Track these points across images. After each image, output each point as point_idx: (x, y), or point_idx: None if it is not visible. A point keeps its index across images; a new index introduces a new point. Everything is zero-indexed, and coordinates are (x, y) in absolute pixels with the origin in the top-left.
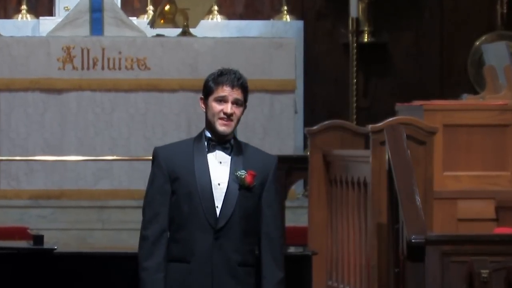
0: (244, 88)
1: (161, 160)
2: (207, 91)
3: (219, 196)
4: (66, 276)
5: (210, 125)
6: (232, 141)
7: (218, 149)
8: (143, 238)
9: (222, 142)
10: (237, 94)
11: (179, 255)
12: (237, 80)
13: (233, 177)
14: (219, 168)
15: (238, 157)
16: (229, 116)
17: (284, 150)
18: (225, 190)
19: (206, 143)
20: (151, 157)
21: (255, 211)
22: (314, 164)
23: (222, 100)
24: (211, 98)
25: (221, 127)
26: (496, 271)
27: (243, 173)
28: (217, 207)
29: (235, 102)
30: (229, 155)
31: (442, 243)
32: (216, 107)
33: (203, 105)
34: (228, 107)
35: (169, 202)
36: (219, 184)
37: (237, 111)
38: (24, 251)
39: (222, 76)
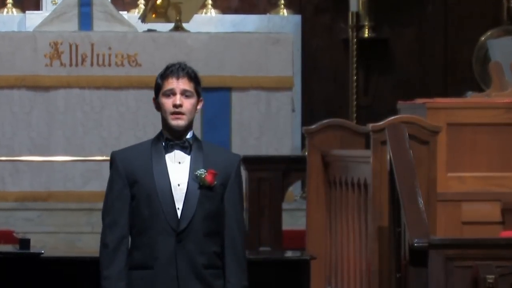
0: (191, 78)
1: (118, 164)
2: (156, 89)
3: (179, 198)
4: (54, 281)
5: (165, 124)
6: (190, 139)
7: (177, 149)
8: (103, 246)
9: (180, 141)
10: (183, 84)
11: (142, 261)
12: (182, 70)
13: (193, 177)
14: (178, 168)
15: (198, 156)
16: (178, 107)
17: (281, 150)
18: (185, 191)
19: (164, 143)
20: None
21: (217, 212)
22: (313, 165)
23: (170, 93)
24: (160, 95)
25: (173, 121)
26: (503, 276)
27: (202, 172)
28: (178, 208)
29: (184, 93)
30: (188, 154)
31: (446, 247)
32: (166, 102)
33: (156, 105)
34: (177, 98)
35: (129, 208)
36: (178, 185)
37: (187, 102)
38: (10, 255)
39: (167, 70)
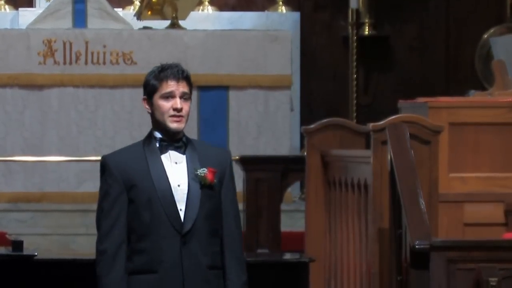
0: (189, 81)
1: (113, 168)
2: (150, 90)
3: (180, 198)
4: (47, 284)
5: (159, 125)
6: (184, 138)
7: (171, 149)
8: (100, 253)
9: (174, 141)
10: (183, 87)
11: (144, 266)
12: (182, 73)
13: (192, 176)
14: (175, 168)
15: (193, 155)
16: (179, 111)
17: (280, 150)
18: (186, 191)
19: (157, 144)
20: None
21: (217, 210)
22: (312, 165)
23: (169, 96)
24: (156, 97)
25: (173, 124)
26: (506, 278)
27: (203, 171)
28: (180, 210)
29: (183, 96)
30: (183, 154)
31: (448, 249)
32: (164, 105)
33: (147, 106)
34: (178, 102)
35: (126, 212)
36: (179, 186)
37: (186, 105)
38: (2, 257)
39: (164, 71)
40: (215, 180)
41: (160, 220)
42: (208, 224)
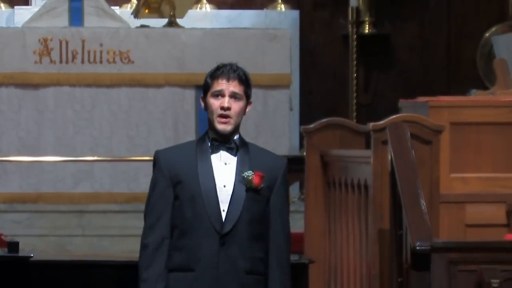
0: (242, 81)
1: (162, 163)
2: (205, 88)
3: (224, 199)
4: (43, 286)
5: (211, 124)
6: (237, 140)
7: (223, 150)
8: (143, 247)
9: (226, 141)
10: (233, 87)
11: (182, 263)
12: (233, 72)
13: (239, 178)
14: (224, 169)
15: (244, 158)
16: (226, 110)
17: (279, 150)
18: (231, 192)
19: (209, 144)
20: (134, 158)
21: (263, 216)
22: (311, 165)
23: (218, 94)
24: (208, 95)
25: (220, 125)
26: (508, 280)
27: (250, 174)
28: (223, 210)
29: (233, 96)
30: (234, 155)
31: (449, 251)
32: (214, 103)
33: (203, 104)
34: (225, 101)
35: (171, 208)
36: (224, 186)
37: (236, 105)
38: None
39: (217, 70)
40: (262, 185)
41: (201, 218)
42: (251, 228)
